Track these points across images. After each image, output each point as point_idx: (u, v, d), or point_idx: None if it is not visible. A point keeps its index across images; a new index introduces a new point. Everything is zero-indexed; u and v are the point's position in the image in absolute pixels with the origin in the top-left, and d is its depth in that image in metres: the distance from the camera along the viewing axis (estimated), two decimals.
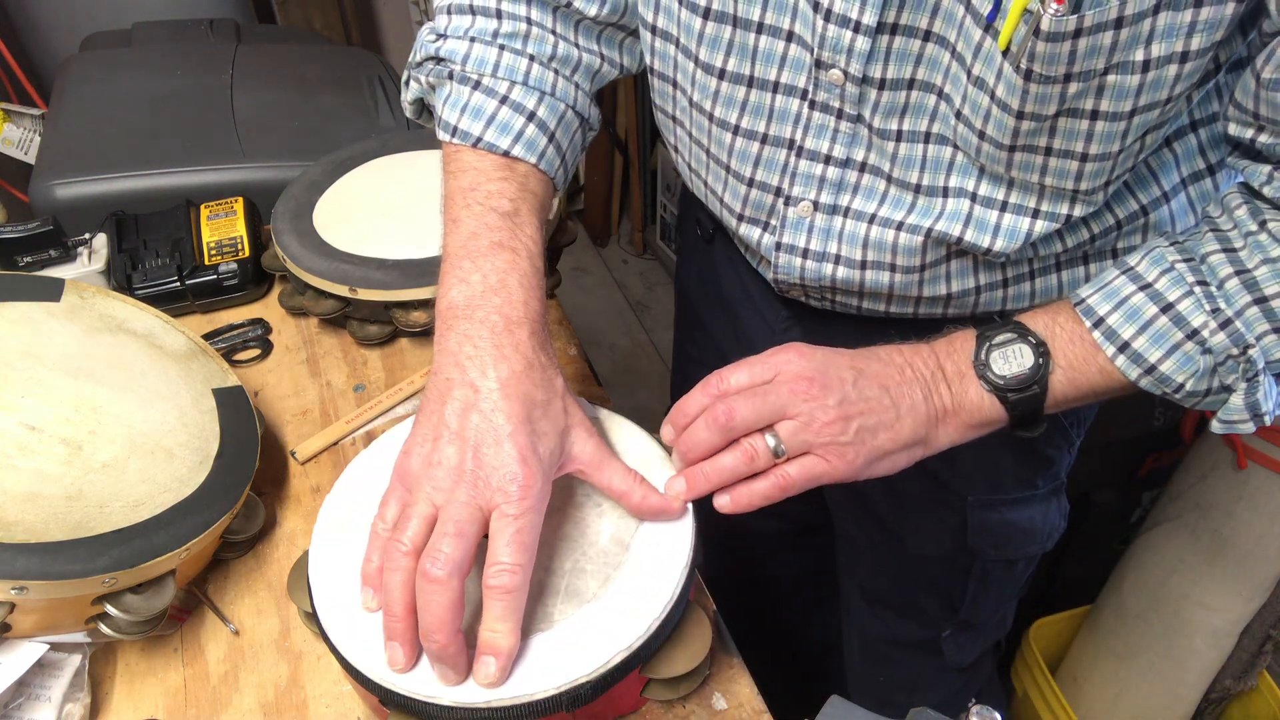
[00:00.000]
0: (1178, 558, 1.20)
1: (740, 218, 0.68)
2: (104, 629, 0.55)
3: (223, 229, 0.87)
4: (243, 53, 1.18)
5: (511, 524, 0.49)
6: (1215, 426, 0.58)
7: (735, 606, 1.24)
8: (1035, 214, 0.59)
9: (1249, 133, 0.54)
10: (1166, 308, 0.55)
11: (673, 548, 0.55)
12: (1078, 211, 0.58)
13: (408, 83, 0.69)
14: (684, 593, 0.54)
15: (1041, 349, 0.57)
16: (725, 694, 0.57)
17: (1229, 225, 0.56)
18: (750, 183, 0.65)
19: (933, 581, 0.88)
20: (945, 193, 0.60)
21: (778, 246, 0.66)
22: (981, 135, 0.55)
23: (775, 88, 0.60)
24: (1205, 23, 0.47)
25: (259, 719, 0.57)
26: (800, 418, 0.54)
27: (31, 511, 0.53)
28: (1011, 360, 0.57)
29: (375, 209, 0.85)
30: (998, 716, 0.42)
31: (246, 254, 0.85)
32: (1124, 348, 0.56)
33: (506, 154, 0.61)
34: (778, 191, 0.64)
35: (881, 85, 0.56)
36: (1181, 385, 0.56)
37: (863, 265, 0.64)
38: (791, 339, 0.59)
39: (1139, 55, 0.48)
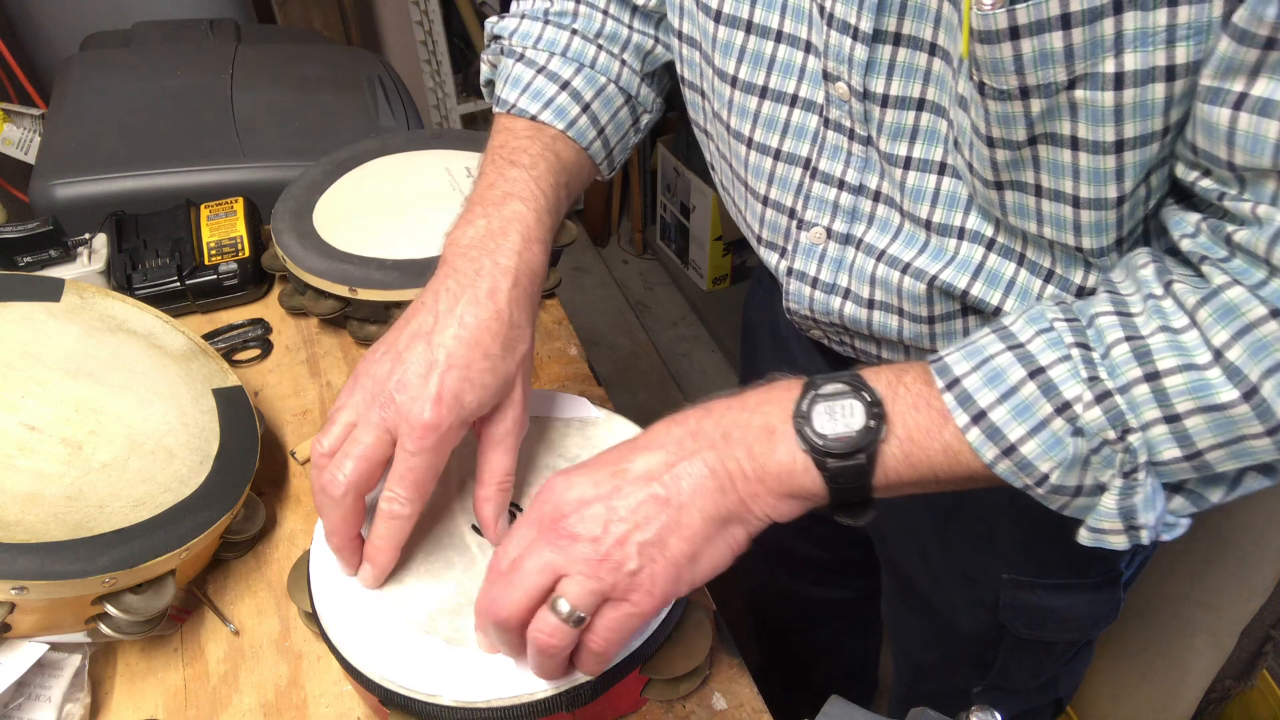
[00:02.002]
0: (1177, 558, 1.20)
1: (760, 240, 0.65)
2: (104, 629, 0.55)
3: (223, 229, 0.87)
4: (243, 53, 1.18)
5: (406, 460, 0.51)
6: (1082, 536, 0.47)
7: (770, 618, 1.24)
8: (1049, 276, 0.53)
9: (1192, 174, 0.45)
10: (1036, 372, 0.44)
11: None
12: (1090, 282, 0.51)
13: (481, 67, 0.74)
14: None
15: (876, 409, 0.46)
16: (725, 694, 0.57)
17: (1130, 288, 0.46)
18: (765, 201, 0.62)
19: (963, 645, 0.83)
20: (961, 234, 0.54)
21: (789, 272, 0.63)
22: (970, 168, 0.50)
23: (793, 101, 0.57)
24: (1187, 27, 0.39)
25: (259, 719, 0.57)
26: (574, 571, 0.45)
27: (31, 511, 0.53)
28: (838, 417, 0.46)
29: (375, 209, 0.84)
30: (997, 716, 0.42)
31: (246, 254, 0.85)
32: (979, 417, 0.45)
33: (534, 118, 0.65)
34: (791, 213, 0.61)
35: (885, 102, 0.52)
36: (1046, 476, 0.45)
37: (870, 304, 0.60)
38: None
39: (1108, 66, 0.41)
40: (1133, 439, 0.44)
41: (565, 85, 0.65)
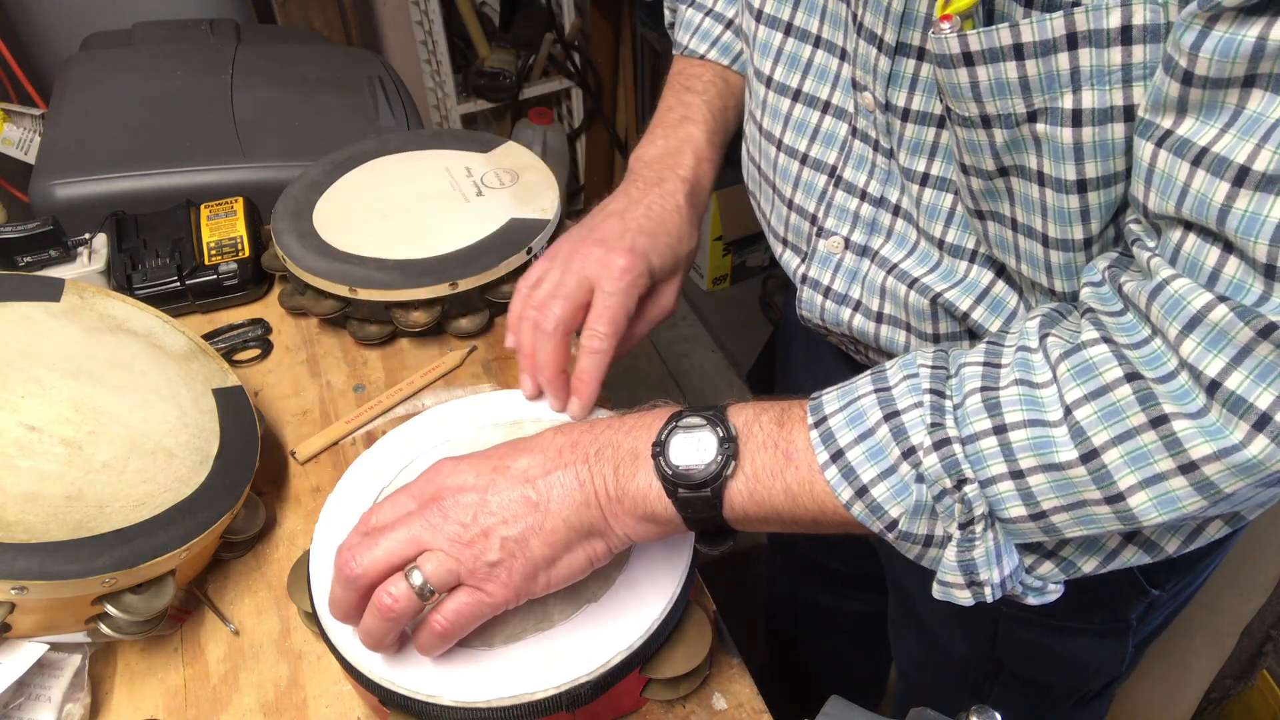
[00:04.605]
0: None
1: (783, 242, 0.66)
2: (104, 629, 0.55)
3: (223, 229, 0.87)
4: (243, 53, 1.18)
5: (604, 299, 0.61)
6: (934, 590, 0.47)
7: (784, 624, 1.24)
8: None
9: (1129, 217, 0.44)
10: (891, 415, 0.45)
11: (673, 548, 0.55)
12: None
13: (665, 13, 0.83)
14: (684, 593, 0.54)
15: (728, 446, 0.46)
16: (725, 694, 0.57)
17: (1011, 340, 0.46)
18: (790, 204, 0.63)
19: (958, 673, 0.82)
20: (972, 258, 0.54)
21: (804, 279, 0.64)
22: (956, 191, 0.51)
23: (825, 107, 0.58)
24: (1143, 67, 0.39)
25: (259, 719, 0.57)
26: (437, 547, 0.47)
27: (31, 511, 0.53)
28: (690, 449, 0.47)
29: (375, 209, 0.84)
30: (997, 716, 0.42)
31: (246, 254, 0.85)
32: (837, 456, 0.45)
33: (703, 58, 0.75)
34: (813, 220, 0.62)
35: (906, 116, 0.52)
36: (895, 521, 0.45)
37: (879, 318, 0.60)
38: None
39: (1067, 103, 0.41)
40: (969, 490, 0.43)
41: (729, 24, 0.74)
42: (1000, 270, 0.54)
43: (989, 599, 0.45)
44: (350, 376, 0.80)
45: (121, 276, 0.82)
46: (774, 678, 1.29)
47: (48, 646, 0.57)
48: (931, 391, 0.45)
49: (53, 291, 0.68)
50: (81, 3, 1.57)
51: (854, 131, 0.57)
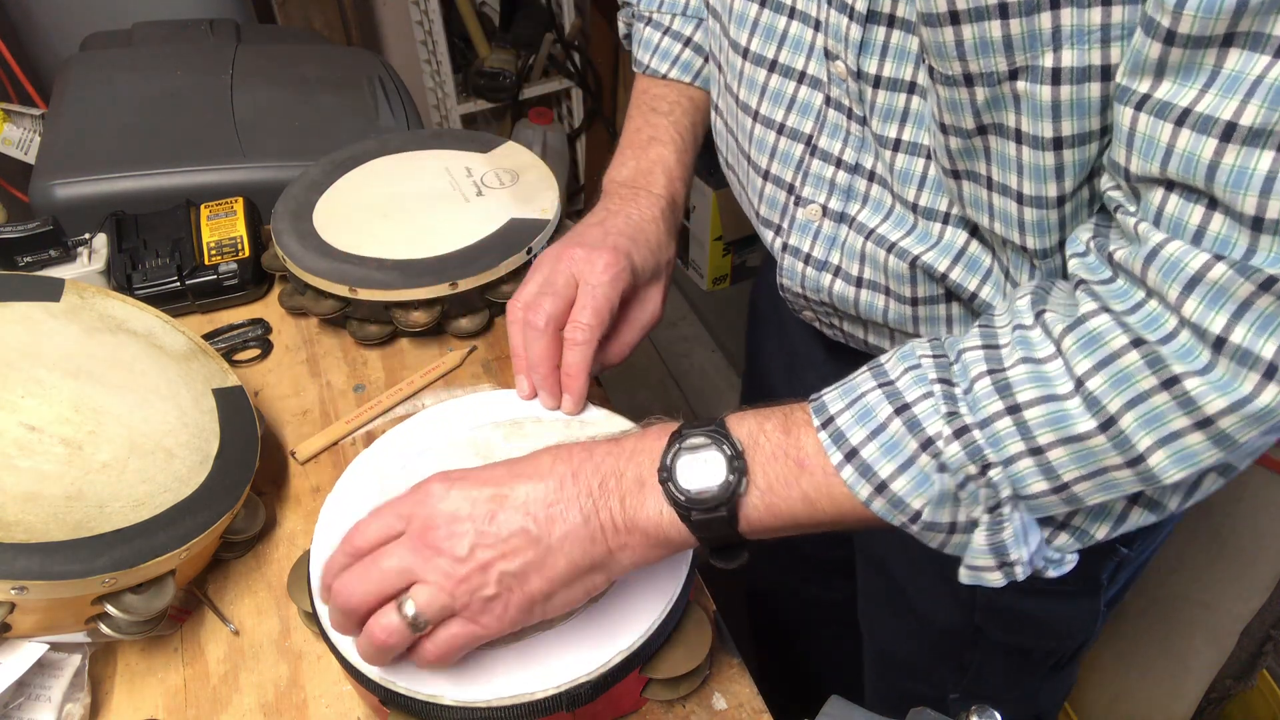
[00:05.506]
0: (1177, 557, 1.20)
1: (758, 217, 0.67)
2: (104, 629, 0.55)
3: (223, 229, 0.87)
4: (243, 53, 1.18)
5: (589, 291, 0.62)
6: (962, 575, 0.47)
7: (770, 619, 1.24)
8: (1007, 273, 0.54)
9: (1108, 184, 0.44)
10: (901, 409, 0.45)
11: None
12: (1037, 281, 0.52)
13: (619, 24, 0.84)
14: (684, 593, 0.54)
15: (737, 462, 0.46)
16: (725, 694, 0.57)
17: (1003, 320, 0.46)
18: (766, 176, 0.64)
19: (941, 646, 0.83)
20: (946, 219, 0.55)
21: (784, 248, 0.65)
22: (931, 154, 0.52)
23: (801, 77, 0.59)
24: (1121, 28, 0.40)
25: (259, 719, 0.57)
26: (431, 580, 0.46)
27: (31, 511, 0.53)
28: (699, 471, 0.46)
29: (375, 209, 0.84)
30: (997, 716, 0.42)
31: (246, 254, 0.85)
32: (851, 455, 0.45)
33: (664, 77, 0.76)
34: (790, 189, 0.63)
35: (877, 83, 0.53)
36: (919, 513, 0.45)
37: (858, 283, 0.61)
38: (812, 370, 0.56)
39: (1047, 61, 0.42)
40: (994, 474, 0.43)
41: (688, 42, 0.75)
42: (974, 231, 0.55)
43: (1019, 577, 0.46)
44: (350, 376, 0.80)
45: (121, 276, 0.82)
46: (764, 676, 1.29)
47: (48, 646, 0.57)
48: (940, 381, 0.45)
49: (53, 291, 0.68)
50: (81, 3, 1.57)
51: (828, 100, 0.58)
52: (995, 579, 0.46)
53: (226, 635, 0.62)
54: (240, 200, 0.89)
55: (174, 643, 0.61)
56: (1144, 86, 0.39)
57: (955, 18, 0.42)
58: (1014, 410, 0.43)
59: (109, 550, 0.53)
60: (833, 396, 0.48)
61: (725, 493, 0.45)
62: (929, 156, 0.54)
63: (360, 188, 0.88)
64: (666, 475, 0.46)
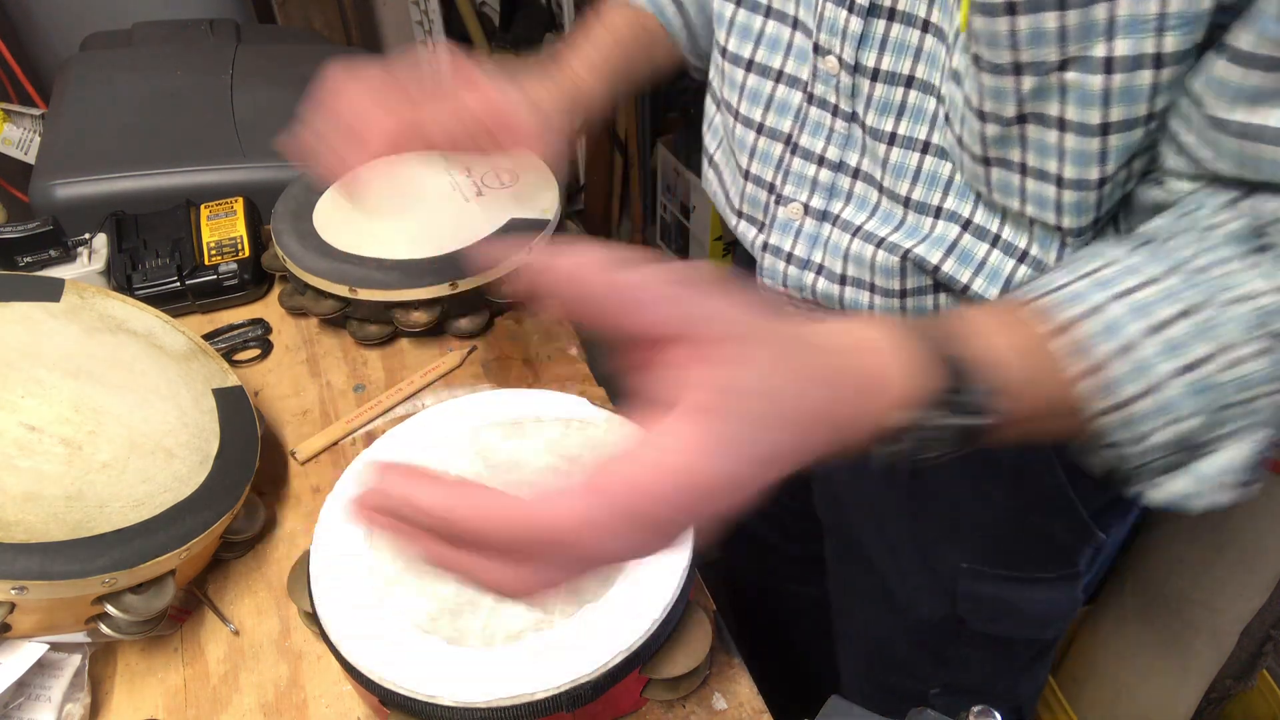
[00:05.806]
0: (1177, 557, 1.20)
1: (739, 214, 0.67)
2: (104, 629, 0.55)
3: (223, 229, 0.87)
4: (243, 53, 1.18)
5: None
6: (1154, 496, 0.42)
7: (755, 615, 1.24)
8: (1022, 257, 0.53)
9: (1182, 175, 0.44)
10: (1192, 309, 0.38)
11: (673, 548, 0.55)
12: (1063, 258, 0.52)
13: None
14: (684, 593, 0.54)
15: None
16: (725, 694, 0.57)
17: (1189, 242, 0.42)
18: (746, 175, 0.64)
19: (921, 635, 0.82)
20: (938, 213, 0.56)
21: (765, 247, 0.65)
22: (960, 142, 0.51)
23: (779, 77, 0.59)
24: (1178, 17, 0.40)
25: (259, 719, 0.57)
26: (534, 596, 0.36)
27: (31, 511, 0.53)
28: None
29: (375, 209, 0.84)
30: (998, 716, 0.42)
31: (246, 254, 0.85)
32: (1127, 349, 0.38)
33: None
34: (771, 188, 0.63)
35: (875, 76, 0.54)
36: (1146, 435, 0.39)
37: (842, 280, 0.61)
38: None
39: (1099, 50, 0.41)
40: (1261, 400, 0.39)
41: None
42: (967, 224, 0.55)
43: (1255, 495, 0.40)
44: (350, 376, 0.80)
45: (121, 276, 0.82)
46: (764, 676, 1.28)
47: (48, 646, 0.57)
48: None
49: (53, 291, 0.68)
50: (81, 3, 1.57)
51: (810, 99, 0.58)
52: (1199, 503, 0.41)
53: (226, 635, 0.62)
54: (240, 200, 0.89)
55: (174, 643, 0.61)
56: (1241, 115, 0.40)
57: (1012, 8, 0.42)
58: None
59: (109, 550, 0.53)
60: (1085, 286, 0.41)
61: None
62: (924, 150, 0.54)
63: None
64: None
